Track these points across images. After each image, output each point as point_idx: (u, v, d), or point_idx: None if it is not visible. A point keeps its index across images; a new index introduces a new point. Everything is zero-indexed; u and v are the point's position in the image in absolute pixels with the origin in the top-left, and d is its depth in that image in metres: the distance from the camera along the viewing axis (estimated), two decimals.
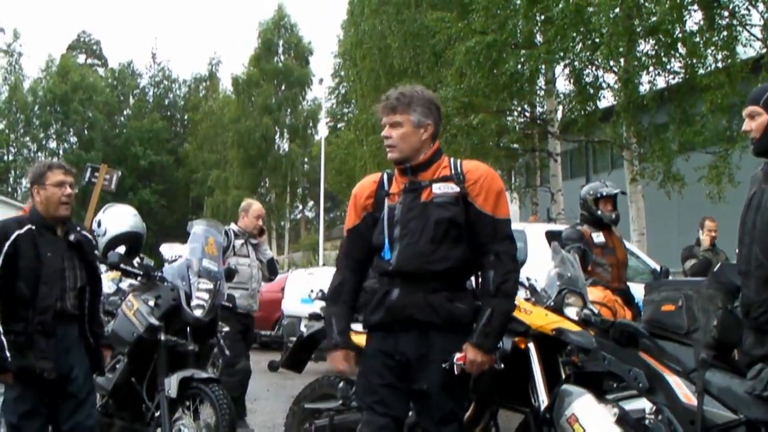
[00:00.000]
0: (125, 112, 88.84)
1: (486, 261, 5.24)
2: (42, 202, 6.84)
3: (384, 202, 5.37)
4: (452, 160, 5.44)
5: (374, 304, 5.33)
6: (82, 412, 6.90)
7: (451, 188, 5.25)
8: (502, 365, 5.74)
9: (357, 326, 7.92)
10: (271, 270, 11.37)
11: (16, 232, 6.68)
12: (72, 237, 6.90)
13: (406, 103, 5.28)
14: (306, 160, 70.68)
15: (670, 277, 11.24)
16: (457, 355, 5.08)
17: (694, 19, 22.36)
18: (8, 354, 6.46)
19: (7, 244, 6.61)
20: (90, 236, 7.22)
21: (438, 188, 5.26)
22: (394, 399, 5.23)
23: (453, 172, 5.33)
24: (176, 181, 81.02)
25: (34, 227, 6.75)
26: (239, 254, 11.15)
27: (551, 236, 13.61)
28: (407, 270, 5.18)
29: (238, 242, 11.13)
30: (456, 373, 5.09)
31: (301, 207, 77.59)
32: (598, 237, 10.13)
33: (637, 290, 9.64)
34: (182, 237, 9.79)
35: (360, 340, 7.42)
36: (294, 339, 9.67)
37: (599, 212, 10.19)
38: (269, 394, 13.89)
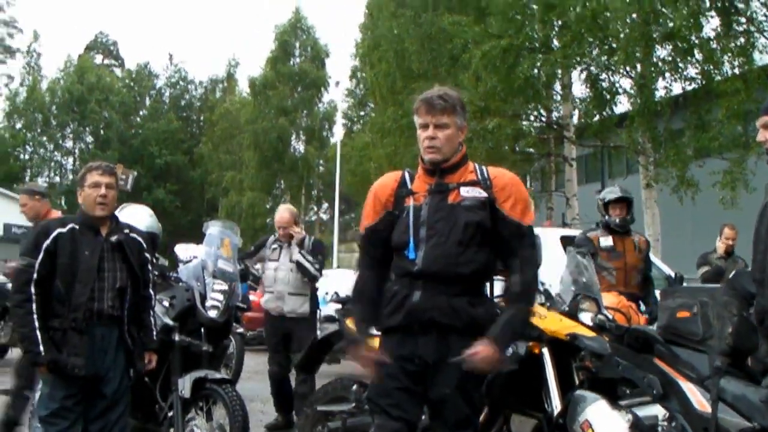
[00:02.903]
0: (141, 113, 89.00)
1: (512, 265, 5.25)
2: (83, 203, 6.93)
3: (405, 200, 5.33)
4: (477, 165, 5.45)
5: (394, 306, 5.25)
6: (114, 413, 6.89)
7: (479, 192, 5.25)
8: (516, 366, 5.74)
9: (372, 329, 7.95)
10: (302, 272, 11.35)
11: (58, 230, 6.75)
12: (114, 237, 6.94)
13: (452, 105, 5.25)
14: (321, 162, 70.67)
15: (685, 284, 11.22)
16: (470, 351, 5.00)
17: (711, 25, 22.39)
18: (42, 348, 6.51)
19: (47, 241, 6.68)
20: (139, 238, 7.22)
21: (466, 192, 5.25)
22: (409, 403, 5.19)
23: (480, 177, 5.33)
24: (191, 181, 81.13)
25: (77, 226, 6.82)
26: (269, 259, 11.33)
27: (566, 241, 13.60)
28: (433, 271, 5.13)
29: (269, 249, 11.26)
30: (464, 369, 5.02)
31: (315, 209, 77.59)
32: (606, 241, 10.17)
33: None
34: (197, 238, 9.82)
35: (375, 343, 7.43)
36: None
37: (607, 216, 10.27)
38: None
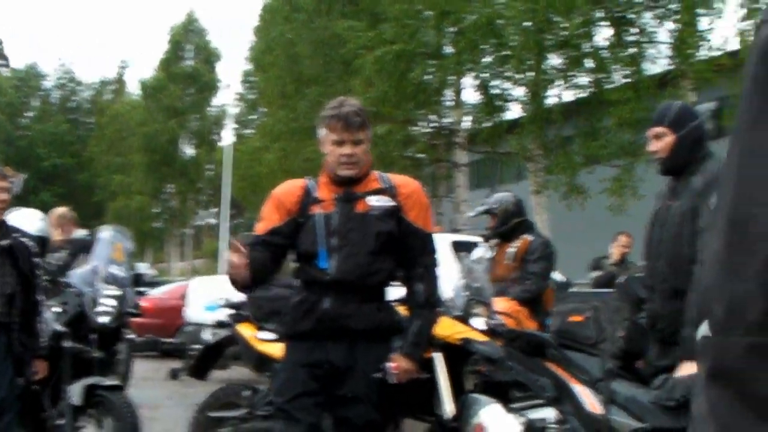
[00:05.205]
0: (26, 114, 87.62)
1: (415, 274, 5.37)
2: None
3: (311, 208, 5.33)
4: (379, 173, 5.52)
5: (302, 312, 5.29)
6: (1, 422, 6.80)
7: (386, 201, 5.31)
8: (426, 374, 5.82)
9: (265, 334, 7.92)
10: None
11: None
12: (4, 242, 6.81)
13: (365, 121, 5.29)
14: (210, 166, 70.33)
15: (573, 289, 11.34)
16: (390, 365, 5.17)
17: (604, 35, 22.71)
18: None
19: None
20: (29, 243, 7.10)
21: (374, 201, 5.31)
22: (316, 407, 5.24)
23: (384, 185, 5.40)
24: (79, 184, 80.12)
25: None
26: None
27: (457, 246, 13.68)
28: (347, 280, 5.19)
29: None
30: (391, 381, 5.18)
31: (203, 213, 77.18)
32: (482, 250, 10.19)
33: None
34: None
35: (269, 348, 7.39)
36: (197, 347, 9.61)
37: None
38: (170, 402, 13.70)
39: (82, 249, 11.81)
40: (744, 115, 1.32)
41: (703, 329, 1.32)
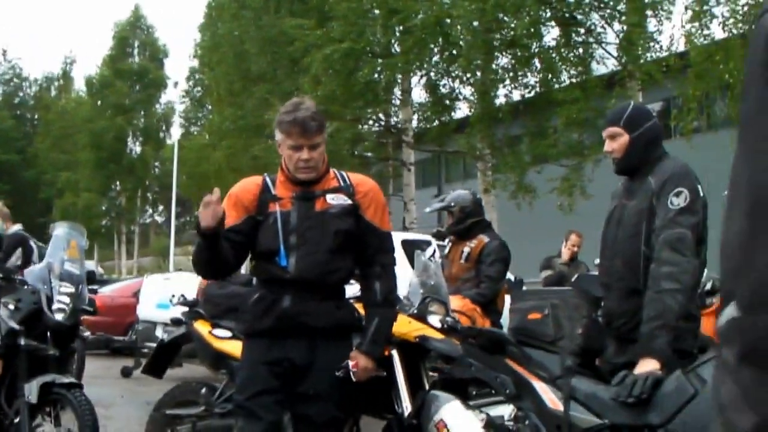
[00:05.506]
0: None
1: (372, 272, 5.43)
2: None
3: (269, 206, 5.34)
4: (336, 171, 5.54)
5: (261, 310, 5.30)
6: None
7: (344, 200, 5.35)
8: (383, 372, 5.87)
9: (221, 332, 7.93)
10: None
11: None
12: None
13: (321, 124, 5.30)
14: (157, 163, 70.00)
15: (524, 288, 11.40)
16: (350, 363, 5.22)
17: (552, 35, 22.87)
18: None
19: None
20: None
21: (332, 199, 5.33)
22: (276, 405, 5.26)
23: (342, 183, 5.43)
24: (24, 181, 79.42)
25: None
26: None
27: (406, 245, 13.74)
28: (306, 278, 5.22)
29: None
30: (353, 380, 5.23)
31: (151, 211, 76.83)
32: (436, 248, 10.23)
33: None
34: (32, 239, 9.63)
35: (225, 346, 7.40)
36: (149, 344, 9.57)
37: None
38: (123, 401, 13.63)
39: (16, 245, 11.79)
40: (753, 103, 1.35)
41: (729, 312, 1.33)
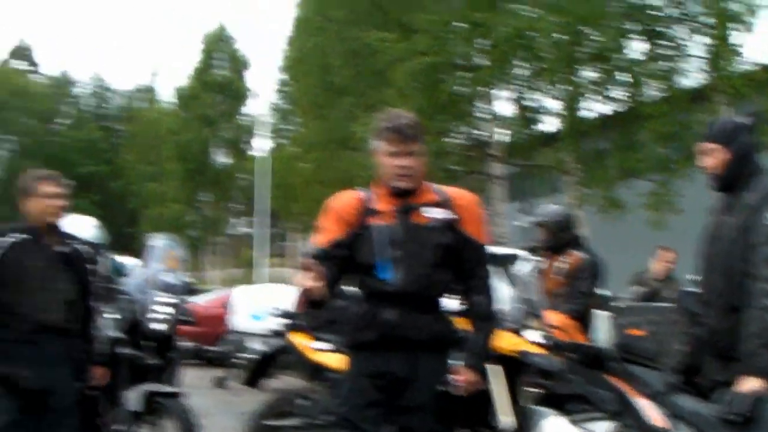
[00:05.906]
0: (57, 121, 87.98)
1: (473, 285, 5.41)
2: (32, 212, 6.88)
3: (369, 219, 5.36)
4: (433, 185, 5.52)
5: (364, 323, 5.33)
6: (62, 427, 6.85)
7: (444, 214, 5.34)
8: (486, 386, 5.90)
9: (319, 344, 8.01)
10: None
11: (4, 241, 6.72)
12: (61, 248, 6.93)
13: (419, 132, 5.31)
14: (243, 175, 70.32)
15: (616, 303, 11.34)
16: (456, 377, 5.24)
17: (637, 48, 22.68)
18: None
19: None
20: (85, 249, 7.23)
21: (432, 213, 5.33)
22: (380, 418, 5.26)
23: (441, 198, 5.42)
24: (113, 192, 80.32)
25: (22, 237, 6.79)
26: None
27: (494, 259, 13.74)
28: (408, 291, 5.23)
29: None
30: (457, 393, 5.24)
31: (239, 221, 77.14)
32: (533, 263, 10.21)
33: None
34: (120, 250, 9.76)
35: (322, 358, 7.48)
36: (241, 355, 9.66)
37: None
38: (218, 411, 13.66)
39: None
40: None
41: None
